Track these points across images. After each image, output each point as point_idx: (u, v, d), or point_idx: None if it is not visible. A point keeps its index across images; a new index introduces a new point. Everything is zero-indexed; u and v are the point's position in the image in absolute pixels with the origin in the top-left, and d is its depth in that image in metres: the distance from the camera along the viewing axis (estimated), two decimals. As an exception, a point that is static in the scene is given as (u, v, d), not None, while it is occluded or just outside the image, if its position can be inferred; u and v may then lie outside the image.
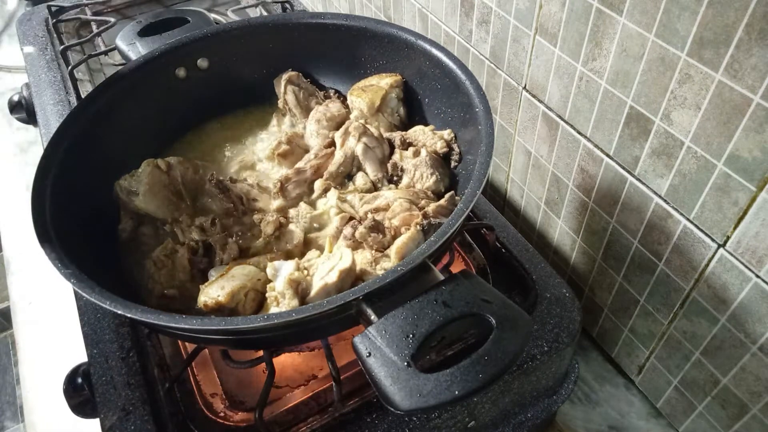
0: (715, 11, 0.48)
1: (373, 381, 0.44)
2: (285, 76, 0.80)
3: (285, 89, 0.80)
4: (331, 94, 0.82)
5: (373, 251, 0.59)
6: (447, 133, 0.71)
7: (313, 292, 0.55)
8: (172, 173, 0.67)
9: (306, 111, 0.79)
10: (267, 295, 0.56)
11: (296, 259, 0.60)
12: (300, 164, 0.72)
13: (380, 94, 0.74)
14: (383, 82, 0.76)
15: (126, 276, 0.63)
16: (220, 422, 0.62)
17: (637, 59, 0.57)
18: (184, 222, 0.64)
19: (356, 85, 0.78)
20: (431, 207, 0.62)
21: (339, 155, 0.71)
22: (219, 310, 0.55)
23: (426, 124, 0.75)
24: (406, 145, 0.71)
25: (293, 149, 0.75)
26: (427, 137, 0.71)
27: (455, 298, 0.46)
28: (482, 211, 0.80)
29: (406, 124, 0.77)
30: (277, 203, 0.69)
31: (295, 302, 0.54)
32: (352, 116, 0.77)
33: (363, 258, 0.59)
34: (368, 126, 0.73)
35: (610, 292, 0.76)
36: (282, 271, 0.57)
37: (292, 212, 0.68)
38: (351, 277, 0.56)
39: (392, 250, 0.58)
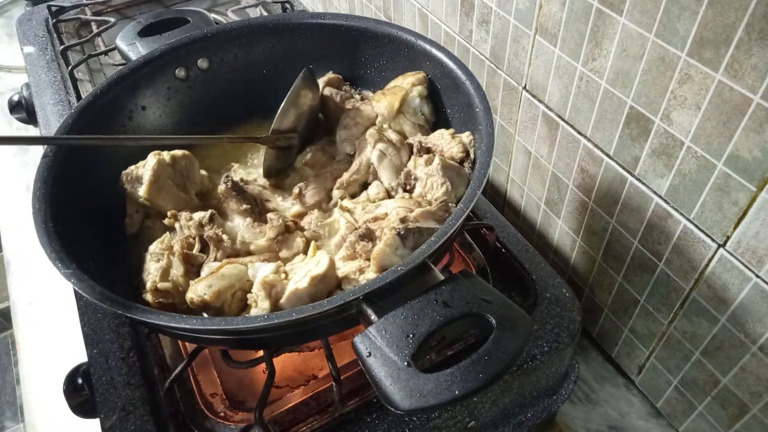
0: (715, 11, 0.48)
1: (373, 381, 0.44)
2: (325, 78, 0.78)
3: (323, 92, 0.77)
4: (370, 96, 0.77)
5: (362, 260, 0.58)
6: (466, 136, 0.66)
7: (284, 297, 0.54)
8: (177, 166, 0.67)
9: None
10: (248, 296, 0.56)
11: (279, 261, 0.59)
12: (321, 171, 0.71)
13: (399, 95, 0.71)
14: (405, 81, 0.72)
15: (127, 275, 0.63)
16: (220, 422, 0.62)
17: (637, 59, 0.57)
18: (183, 217, 0.64)
19: (380, 90, 0.75)
20: (415, 212, 0.59)
21: (355, 163, 0.70)
22: (205, 308, 0.55)
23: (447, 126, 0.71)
24: (424, 150, 0.68)
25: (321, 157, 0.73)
26: (446, 141, 0.67)
27: (455, 298, 0.46)
28: (482, 211, 0.80)
29: (433, 123, 0.74)
30: (294, 209, 0.68)
31: (266, 305, 0.54)
32: (377, 122, 0.74)
33: (352, 266, 0.58)
34: (385, 132, 0.70)
35: (610, 292, 0.76)
36: (259, 273, 0.57)
37: (306, 218, 0.67)
38: (326, 284, 0.55)
39: (371, 258, 0.56)
